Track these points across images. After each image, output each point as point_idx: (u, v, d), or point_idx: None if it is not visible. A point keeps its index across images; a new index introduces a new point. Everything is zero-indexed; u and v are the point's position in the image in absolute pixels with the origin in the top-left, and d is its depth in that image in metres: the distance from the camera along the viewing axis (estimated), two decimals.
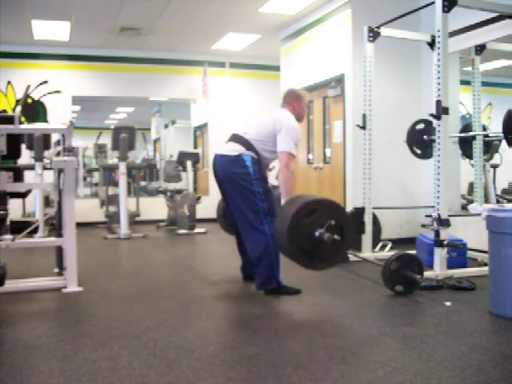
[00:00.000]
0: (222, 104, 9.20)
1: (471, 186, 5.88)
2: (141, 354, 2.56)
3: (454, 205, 5.59)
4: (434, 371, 2.31)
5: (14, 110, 8.15)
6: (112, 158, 8.59)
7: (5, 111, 8.15)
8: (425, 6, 4.71)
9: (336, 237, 3.23)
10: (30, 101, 8.31)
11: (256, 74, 9.28)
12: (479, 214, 3.44)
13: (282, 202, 3.71)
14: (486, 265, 3.91)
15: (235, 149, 3.73)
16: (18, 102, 8.22)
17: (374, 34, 4.96)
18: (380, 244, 5.16)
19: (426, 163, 5.56)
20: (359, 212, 5.11)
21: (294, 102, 3.93)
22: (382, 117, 5.59)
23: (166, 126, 11.57)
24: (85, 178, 10.60)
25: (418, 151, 5.21)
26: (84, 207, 7.79)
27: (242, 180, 3.66)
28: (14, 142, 3.98)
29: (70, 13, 6.82)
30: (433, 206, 4.14)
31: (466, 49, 5.52)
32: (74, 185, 3.92)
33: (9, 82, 8.24)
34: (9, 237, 4.93)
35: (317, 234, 3.22)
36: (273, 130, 3.71)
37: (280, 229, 3.30)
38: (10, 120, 4.00)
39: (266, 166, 3.99)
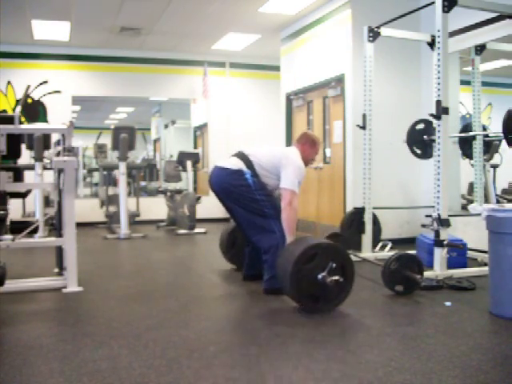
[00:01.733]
0: (222, 104, 9.20)
1: (471, 186, 5.88)
2: (141, 354, 2.56)
3: (454, 205, 5.59)
4: (434, 371, 2.31)
5: (14, 110, 8.14)
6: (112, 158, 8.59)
7: (5, 111, 8.14)
8: (425, 6, 4.71)
9: (338, 278, 3.25)
10: (29, 101, 8.31)
11: (256, 73, 9.28)
12: (479, 214, 3.44)
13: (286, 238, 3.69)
14: (486, 265, 3.92)
15: (237, 164, 3.78)
16: (18, 101, 8.22)
17: (374, 34, 4.96)
18: (380, 244, 5.16)
19: (426, 163, 5.56)
20: (359, 212, 5.11)
21: (307, 144, 3.99)
22: (381, 117, 5.59)
23: (166, 126, 11.57)
24: (85, 178, 10.61)
25: (418, 151, 5.21)
26: (84, 207, 7.80)
27: (243, 191, 3.72)
28: (14, 142, 3.98)
29: (70, 13, 6.82)
30: (433, 206, 4.14)
31: (466, 49, 5.53)
32: (74, 185, 3.92)
33: (9, 82, 8.24)
34: (9, 237, 4.93)
35: (319, 277, 3.24)
36: (278, 163, 3.74)
37: (283, 275, 3.34)
38: (9, 120, 3.99)
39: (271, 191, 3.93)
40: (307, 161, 3.97)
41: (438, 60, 4.05)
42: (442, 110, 4.00)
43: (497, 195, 6.32)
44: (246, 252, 4.15)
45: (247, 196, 3.70)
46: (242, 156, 3.82)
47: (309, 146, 3.99)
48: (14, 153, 4.00)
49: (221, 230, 4.85)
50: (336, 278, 3.23)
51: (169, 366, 2.40)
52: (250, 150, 3.89)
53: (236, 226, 4.42)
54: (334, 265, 3.25)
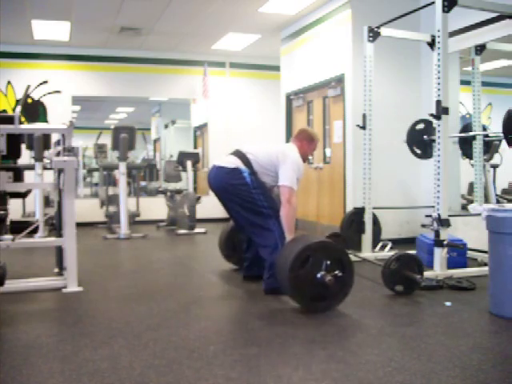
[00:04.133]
0: (222, 104, 9.20)
1: (471, 186, 5.87)
2: (141, 354, 2.56)
3: (454, 205, 5.59)
4: (434, 371, 2.31)
5: (14, 110, 8.14)
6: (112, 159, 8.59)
7: (5, 111, 8.14)
8: (425, 6, 4.71)
9: (337, 273, 3.25)
10: (30, 101, 8.31)
11: (256, 73, 9.28)
12: (479, 214, 3.44)
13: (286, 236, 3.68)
14: (486, 265, 3.92)
15: (233, 162, 3.76)
16: (18, 101, 8.21)
17: (374, 34, 4.96)
18: (380, 244, 5.16)
19: (426, 163, 5.56)
20: (359, 212, 5.11)
21: (304, 140, 3.96)
22: (382, 117, 5.60)
23: (166, 126, 11.56)
24: (85, 178, 10.60)
25: (418, 151, 5.22)
26: (84, 207, 7.79)
27: (241, 190, 3.70)
28: (14, 142, 3.98)
29: (70, 13, 6.82)
30: (433, 206, 4.14)
31: (466, 49, 5.52)
32: (74, 185, 3.92)
33: (9, 82, 8.24)
34: (9, 237, 4.93)
35: (318, 276, 3.24)
36: (276, 160, 3.72)
37: (283, 283, 3.35)
38: (9, 120, 3.99)
39: (270, 189, 3.90)
40: (305, 157, 3.95)
41: (438, 60, 4.05)
42: (442, 110, 4.00)
43: (497, 195, 6.31)
44: (243, 250, 4.15)
45: (245, 194, 3.69)
46: (239, 154, 3.81)
47: (307, 143, 3.96)
48: (14, 153, 4.00)
49: (221, 229, 4.85)
50: (334, 273, 3.23)
51: (169, 365, 2.40)
52: (247, 147, 3.88)
53: (234, 227, 4.42)
54: (329, 262, 3.24)
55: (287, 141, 7.60)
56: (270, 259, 3.64)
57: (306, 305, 3.32)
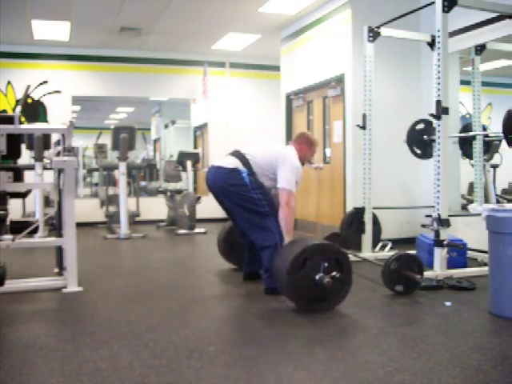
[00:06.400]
0: (222, 104, 9.20)
1: (471, 186, 5.87)
2: (141, 354, 2.56)
3: (454, 205, 5.59)
4: (434, 371, 2.31)
5: (14, 110, 8.14)
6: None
7: (5, 111, 8.14)
8: (425, 6, 4.71)
9: (335, 274, 3.25)
10: (30, 101, 8.31)
11: (256, 73, 9.28)
12: (479, 214, 3.44)
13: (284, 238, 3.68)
14: (486, 265, 3.92)
15: (232, 162, 3.75)
16: (18, 101, 8.21)
17: (374, 34, 4.96)
18: (380, 244, 5.16)
19: (426, 163, 5.56)
20: (359, 212, 5.11)
21: (304, 144, 3.97)
22: (382, 117, 5.59)
23: (166, 126, 11.57)
24: (85, 178, 10.60)
25: (418, 151, 5.22)
26: (84, 207, 7.80)
27: (239, 190, 3.69)
28: (14, 142, 3.98)
29: (70, 13, 6.82)
30: (433, 206, 4.14)
31: (466, 49, 5.53)
32: (74, 185, 3.92)
33: (9, 82, 8.24)
34: (9, 237, 4.92)
35: (317, 278, 3.23)
36: (275, 161, 3.71)
37: (280, 285, 3.35)
38: (9, 120, 3.99)
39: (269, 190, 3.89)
40: (304, 161, 3.96)
41: (438, 60, 4.05)
42: (442, 110, 4.00)
43: (497, 195, 6.31)
44: (246, 248, 4.14)
45: (244, 195, 3.68)
46: (238, 155, 3.80)
47: (306, 146, 3.98)
48: (14, 153, 4.00)
49: (219, 230, 4.85)
50: (332, 274, 3.23)
51: (169, 365, 2.40)
52: (246, 148, 3.88)
53: (232, 226, 4.42)
54: (326, 264, 3.24)
55: (287, 141, 7.60)
56: (269, 258, 3.63)
57: (305, 307, 3.32)
